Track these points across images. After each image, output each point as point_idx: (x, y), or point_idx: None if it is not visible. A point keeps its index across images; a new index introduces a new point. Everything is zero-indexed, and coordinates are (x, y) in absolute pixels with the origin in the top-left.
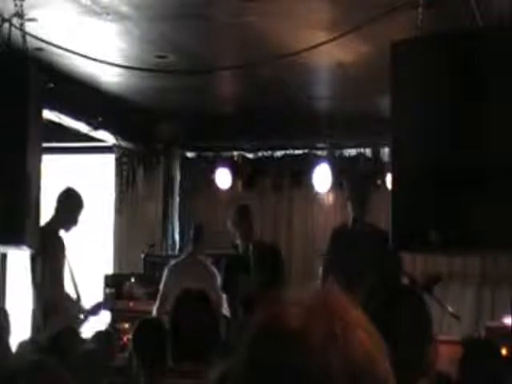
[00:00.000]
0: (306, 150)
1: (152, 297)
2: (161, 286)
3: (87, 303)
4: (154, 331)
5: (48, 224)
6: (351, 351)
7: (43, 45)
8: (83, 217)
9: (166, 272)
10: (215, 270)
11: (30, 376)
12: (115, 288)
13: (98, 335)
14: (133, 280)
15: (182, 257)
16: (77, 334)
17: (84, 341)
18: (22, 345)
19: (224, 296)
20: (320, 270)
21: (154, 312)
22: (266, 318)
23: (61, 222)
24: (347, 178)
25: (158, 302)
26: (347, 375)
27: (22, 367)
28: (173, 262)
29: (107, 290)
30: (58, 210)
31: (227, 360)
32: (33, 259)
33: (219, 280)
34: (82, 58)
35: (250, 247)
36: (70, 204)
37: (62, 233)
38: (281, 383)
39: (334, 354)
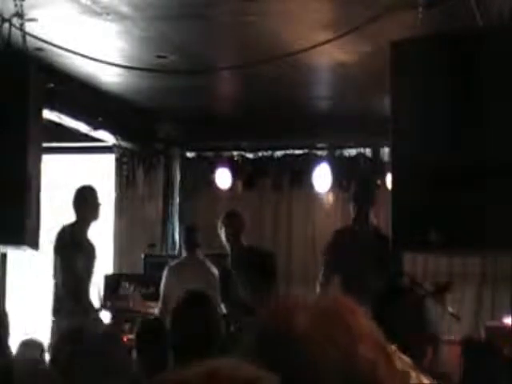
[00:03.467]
0: (305, 150)
1: (151, 297)
2: (161, 288)
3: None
4: (156, 332)
5: (72, 225)
6: (351, 359)
7: (43, 45)
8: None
9: (165, 273)
10: (215, 270)
11: (23, 377)
12: (115, 288)
13: (101, 335)
14: (127, 285)
15: (181, 258)
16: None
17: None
18: (22, 345)
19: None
20: (321, 271)
21: (157, 313)
22: (273, 322)
23: (84, 221)
24: (350, 179)
25: (160, 304)
26: (346, 381)
27: (17, 368)
28: (172, 262)
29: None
30: (77, 210)
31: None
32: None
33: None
34: (82, 58)
35: (236, 251)
36: (88, 202)
37: (87, 231)
38: None
39: (335, 360)
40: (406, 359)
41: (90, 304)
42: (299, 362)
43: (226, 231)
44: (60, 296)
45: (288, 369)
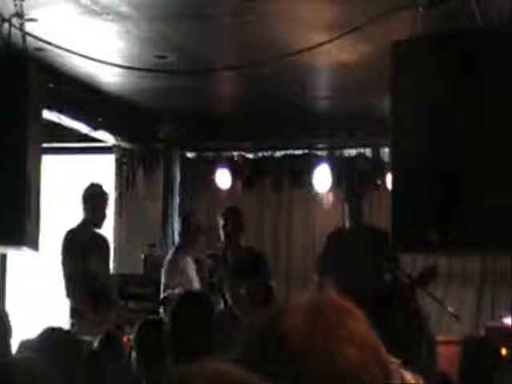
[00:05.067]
0: (305, 150)
1: (151, 298)
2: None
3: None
4: (155, 331)
5: (80, 224)
6: (336, 359)
7: (43, 45)
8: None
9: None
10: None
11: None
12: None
13: (102, 336)
14: None
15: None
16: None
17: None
18: (22, 345)
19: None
20: (316, 272)
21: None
22: (262, 323)
23: (93, 220)
24: (343, 179)
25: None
26: (329, 381)
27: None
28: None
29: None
30: (86, 208)
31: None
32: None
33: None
34: (82, 58)
35: (231, 252)
36: (96, 200)
37: (96, 230)
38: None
39: (319, 360)
40: (394, 359)
41: (117, 300)
42: (283, 361)
43: (222, 230)
44: (81, 298)
45: (272, 368)
